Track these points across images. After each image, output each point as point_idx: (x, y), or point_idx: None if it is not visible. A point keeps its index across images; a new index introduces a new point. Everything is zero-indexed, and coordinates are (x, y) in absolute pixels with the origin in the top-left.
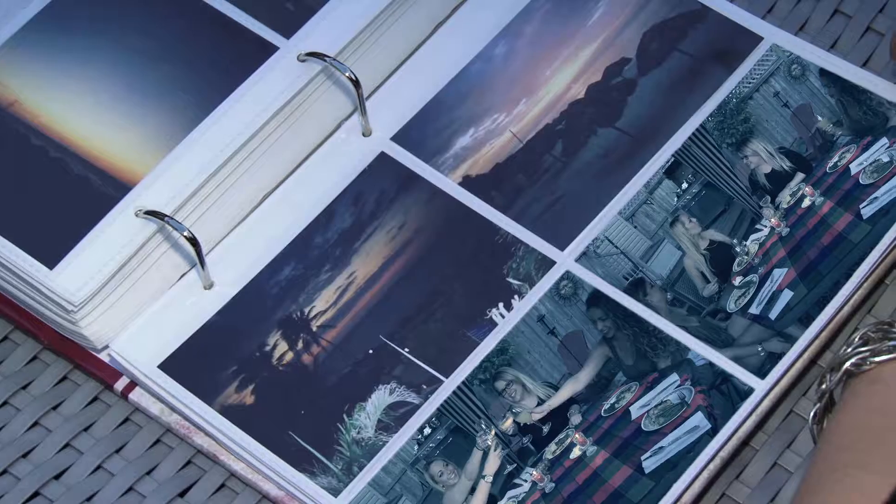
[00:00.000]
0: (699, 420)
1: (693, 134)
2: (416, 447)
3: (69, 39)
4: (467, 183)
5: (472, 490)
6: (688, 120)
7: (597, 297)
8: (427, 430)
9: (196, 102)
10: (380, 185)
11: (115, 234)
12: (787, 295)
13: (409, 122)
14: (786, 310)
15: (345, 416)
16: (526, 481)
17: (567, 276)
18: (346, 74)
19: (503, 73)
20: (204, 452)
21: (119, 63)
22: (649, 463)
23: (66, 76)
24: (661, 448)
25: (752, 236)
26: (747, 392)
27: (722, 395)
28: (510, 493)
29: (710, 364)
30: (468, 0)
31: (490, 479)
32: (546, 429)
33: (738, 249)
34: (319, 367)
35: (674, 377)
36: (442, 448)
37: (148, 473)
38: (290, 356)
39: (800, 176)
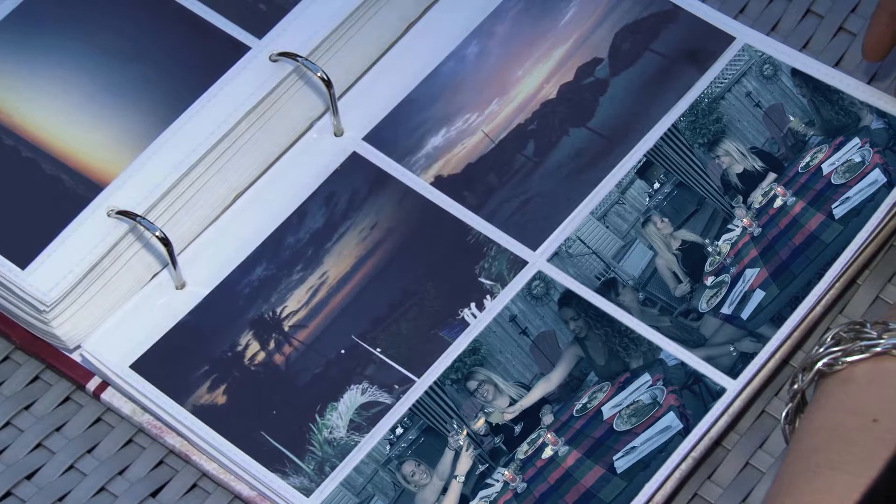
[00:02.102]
0: (671, 420)
1: (665, 134)
2: (387, 447)
3: (41, 39)
4: (439, 183)
5: (444, 490)
6: (660, 120)
7: (569, 297)
8: (399, 430)
9: (168, 102)
10: (352, 185)
11: (86, 234)
12: (759, 295)
13: (381, 122)
14: (758, 310)
15: (317, 415)
16: (498, 481)
17: (539, 275)
18: (318, 74)
19: (475, 73)
20: (176, 452)
21: (91, 62)
22: (621, 463)
23: (38, 76)
24: (633, 448)
25: (724, 236)
26: (719, 392)
27: (694, 395)
28: (482, 493)
29: (682, 364)
30: (440, 0)
31: (462, 478)
32: (518, 429)
33: (710, 249)
34: (291, 366)
35: (646, 377)
36: (414, 448)
37: (120, 473)
38: (261, 356)
39: (772, 176)
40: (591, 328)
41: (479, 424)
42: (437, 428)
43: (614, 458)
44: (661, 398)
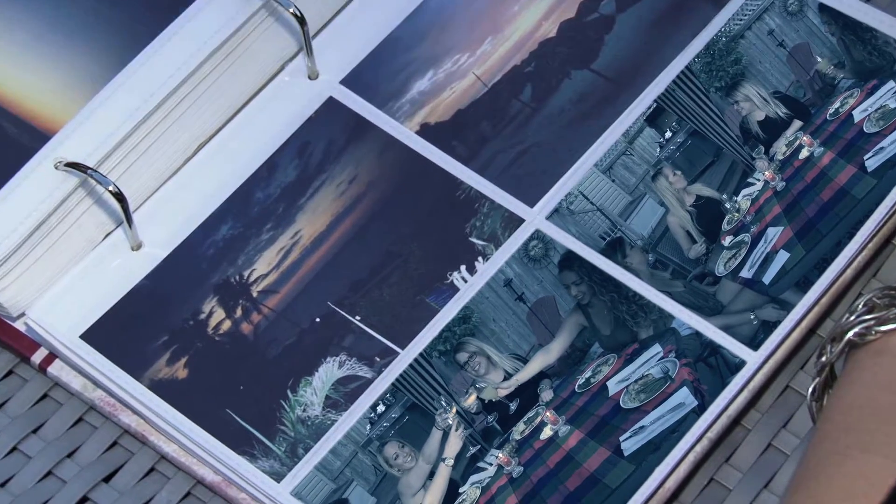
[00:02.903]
0: (684, 396)
1: (678, 77)
2: (368, 427)
3: None
4: (426, 131)
5: (431, 475)
6: (672, 61)
7: (570, 259)
8: (381, 408)
9: (122, 41)
10: (328, 134)
11: (32, 189)
12: (783, 257)
13: (361, 64)
14: (781, 273)
15: (289, 391)
16: (491, 465)
17: (537, 235)
18: (291, 10)
19: (465, 8)
20: (131, 433)
21: None
22: (629, 444)
23: None
24: (641, 428)
25: (744, 191)
26: (738, 365)
27: (710, 368)
28: (473, 478)
29: (697, 334)
30: None
31: (451, 462)
32: (514, 406)
33: (727, 206)
34: (260, 337)
35: (656, 348)
36: (397, 428)
37: (69, 456)
38: (227, 325)
39: (797, 124)
40: (596, 294)
41: (470, 401)
42: (422, 405)
43: (621, 438)
44: (674, 372)
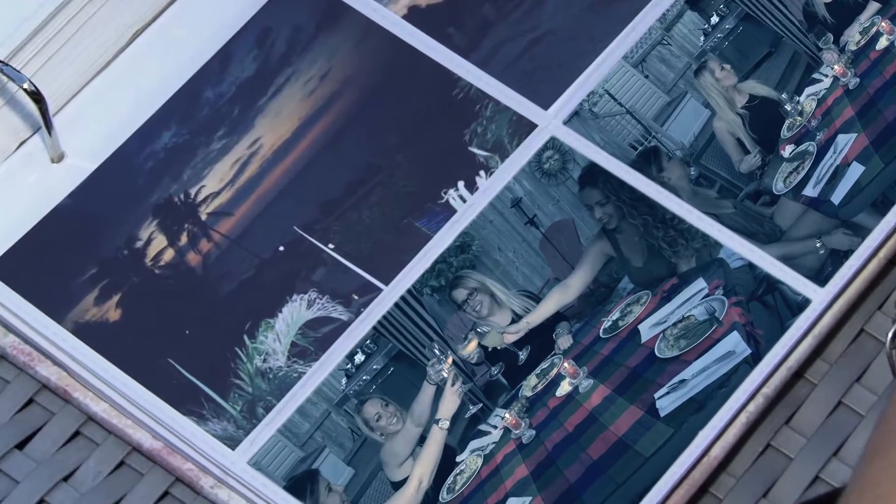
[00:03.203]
0: (735, 343)
1: None
2: (343, 381)
3: None
4: (414, 15)
5: (422, 440)
6: None
7: (593, 174)
8: (359, 358)
9: None
10: (293, 19)
11: None
12: (857, 170)
13: None
14: (854, 191)
15: (245, 337)
16: (496, 428)
17: (552, 144)
18: None
19: None
20: (51, 388)
21: None
22: (665, 402)
23: None
24: (681, 382)
25: (808, 89)
26: (801, 304)
27: (766, 308)
28: (474, 444)
29: (750, 266)
30: None
31: (446, 424)
32: (523, 355)
33: (787, 108)
34: (211, 269)
35: (700, 284)
36: (380, 382)
37: None
38: (169, 255)
39: (874, 6)
40: (625, 216)
41: (470, 349)
42: (411, 354)
43: (656, 395)
44: (722, 313)
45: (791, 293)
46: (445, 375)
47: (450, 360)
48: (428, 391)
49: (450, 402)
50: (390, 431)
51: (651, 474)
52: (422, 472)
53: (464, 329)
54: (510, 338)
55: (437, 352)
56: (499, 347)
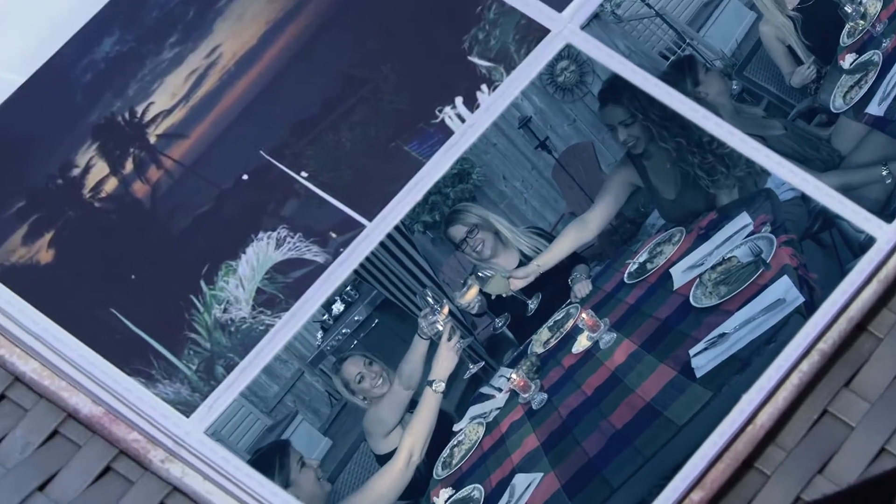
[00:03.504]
0: (785, 290)
1: None
2: (319, 335)
3: None
4: None
5: (413, 405)
6: None
7: (616, 89)
8: (338, 307)
9: None
10: None
11: None
12: None
13: None
14: None
15: (202, 283)
16: (500, 390)
17: (568, 53)
18: None
19: None
20: None
21: None
22: (703, 360)
23: None
24: (721, 337)
25: None
26: (864, 244)
27: (822, 248)
28: (474, 410)
29: (803, 198)
30: None
31: (441, 386)
32: (533, 304)
33: (848, 9)
34: (161, 202)
35: (743, 219)
36: (362, 336)
37: None
38: (112, 185)
39: None
40: (654, 139)
41: (470, 297)
42: (399, 303)
43: (691, 352)
44: (769, 254)
45: (852, 230)
46: (440, 328)
47: (445, 310)
48: (419, 347)
49: (445, 360)
50: (374, 395)
51: (685, 446)
52: (412, 443)
53: (462, 273)
54: (517, 283)
55: (430, 300)
56: (504, 295)
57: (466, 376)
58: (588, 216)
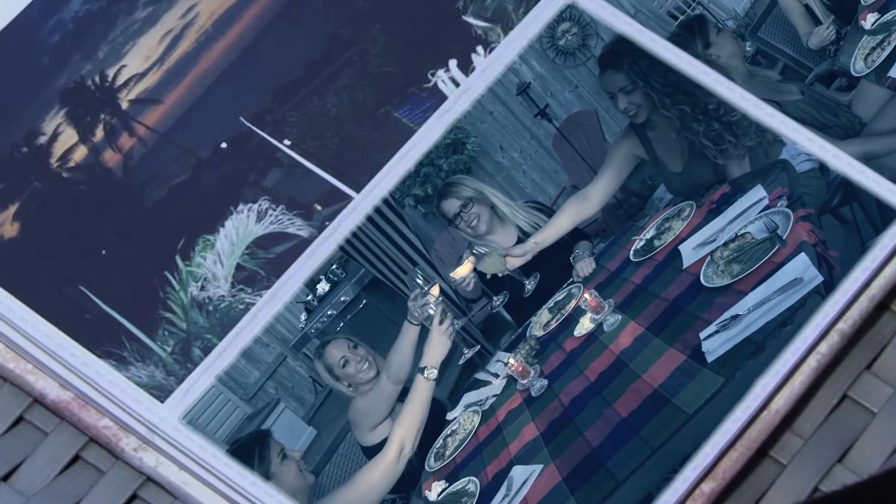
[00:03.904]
0: (802, 268)
1: None
2: (303, 316)
3: None
4: None
5: (404, 393)
6: None
7: (616, 53)
8: (322, 287)
9: None
10: None
11: None
12: None
13: None
14: None
15: (178, 258)
16: (497, 376)
17: (570, 14)
18: None
19: None
20: None
21: None
22: (714, 344)
23: None
24: (734, 318)
25: None
26: (887, 218)
27: (842, 223)
28: (469, 397)
29: (822, 169)
30: None
31: (433, 373)
32: (531, 284)
33: None
34: (133, 172)
35: (758, 193)
36: (349, 318)
37: None
38: (81, 153)
39: None
40: (660, 105)
41: (464, 272)
42: (388, 283)
43: (702, 335)
44: (785, 230)
45: (873, 206)
46: (432, 312)
47: (436, 289)
48: (409, 334)
49: (438, 345)
50: (360, 381)
51: (695, 435)
52: (403, 434)
53: (456, 250)
54: (515, 262)
55: (420, 281)
56: (500, 274)
57: (461, 362)
58: (589, 190)
